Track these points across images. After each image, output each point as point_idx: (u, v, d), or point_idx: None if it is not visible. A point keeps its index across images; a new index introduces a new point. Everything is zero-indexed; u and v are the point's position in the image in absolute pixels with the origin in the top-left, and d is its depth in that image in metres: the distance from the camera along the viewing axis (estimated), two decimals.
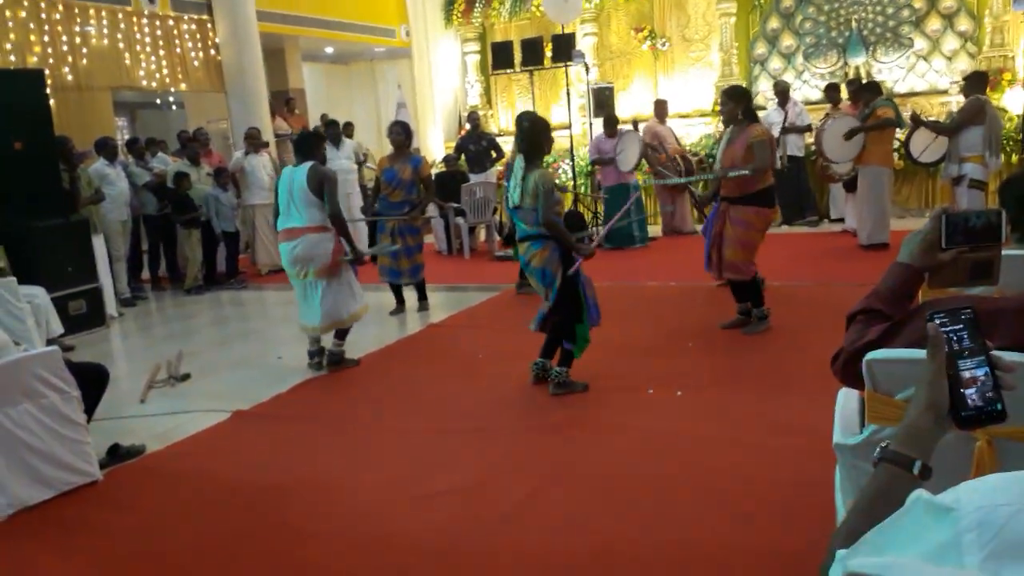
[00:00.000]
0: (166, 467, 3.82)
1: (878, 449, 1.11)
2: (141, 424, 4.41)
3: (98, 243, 7.21)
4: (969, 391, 1.09)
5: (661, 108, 9.77)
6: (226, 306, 8.05)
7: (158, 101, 13.57)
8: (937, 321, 1.14)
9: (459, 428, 3.95)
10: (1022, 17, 8.36)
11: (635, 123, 9.79)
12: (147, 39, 9.42)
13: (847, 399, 2.14)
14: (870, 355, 1.67)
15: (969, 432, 1.52)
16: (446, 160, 10.63)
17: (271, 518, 3.18)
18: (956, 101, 9.30)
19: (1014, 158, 8.44)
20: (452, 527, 2.98)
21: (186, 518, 3.26)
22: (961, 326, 1.14)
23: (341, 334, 5.22)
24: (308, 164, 5.03)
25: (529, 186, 4.18)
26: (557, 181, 10.55)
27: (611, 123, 9.22)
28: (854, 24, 10.55)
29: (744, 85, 11.02)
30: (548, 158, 10.64)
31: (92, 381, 3.81)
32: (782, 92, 9.41)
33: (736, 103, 5.07)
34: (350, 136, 10.33)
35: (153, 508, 3.39)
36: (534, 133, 4.27)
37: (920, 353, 1.24)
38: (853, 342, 1.78)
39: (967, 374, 1.10)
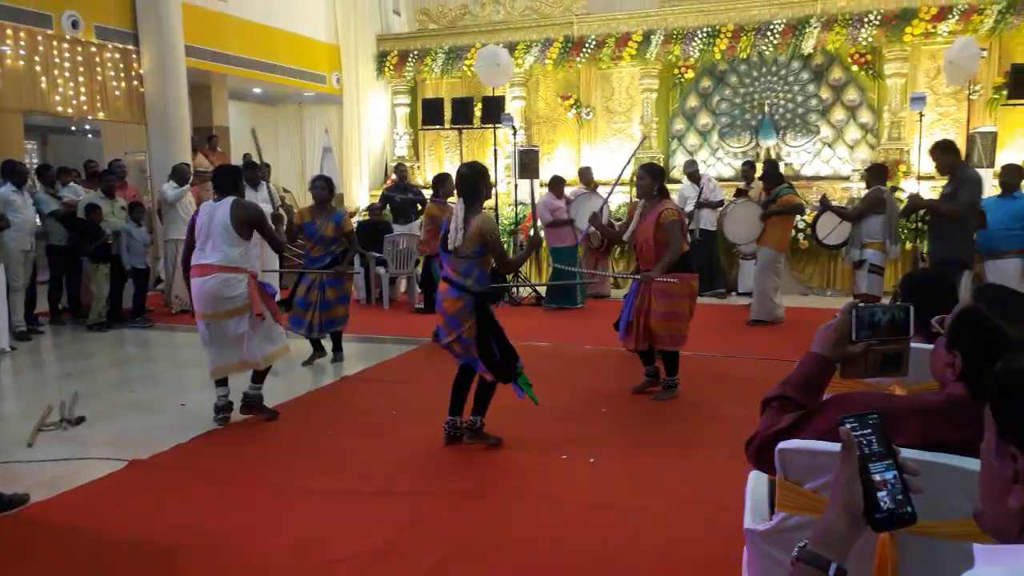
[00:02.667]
0: (52, 519, 3.59)
1: (796, 549, 1.15)
2: (27, 470, 4.15)
3: None
4: (881, 494, 1.13)
5: (587, 175, 10.00)
6: (130, 346, 7.72)
7: (72, 127, 13.08)
8: (848, 425, 1.19)
9: (367, 490, 3.86)
10: (917, 115, 9.02)
11: (596, 186, 9.91)
12: (66, 64, 9.12)
13: (757, 482, 2.21)
14: (782, 444, 1.72)
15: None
16: (370, 209, 10.60)
17: None
18: (857, 188, 9.92)
19: (908, 245, 9.01)
20: None
21: None
22: (870, 430, 1.19)
23: (258, 377, 5.06)
24: (230, 199, 4.88)
25: (471, 230, 4.19)
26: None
27: (558, 184, 9.39)
28: (766, 108, 11.17)
29: (661, 160, 11.48)
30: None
31: None
32: (691, 174, 9.90)
33: (653, 179, 5.29)
34: (266, 179, 10.15)
35: (35, 565, 3.17)
36: (473, 179, 4.32)
37: (828, 446, 1.30)
38: (766, 428, 1.85)
39: (877, 477, 1.14)
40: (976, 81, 9.67)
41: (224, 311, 4.82)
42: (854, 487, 1.14)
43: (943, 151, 6.00)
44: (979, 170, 8.75)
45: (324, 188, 6.40)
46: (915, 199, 6.75)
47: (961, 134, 9.76)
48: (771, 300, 7.92)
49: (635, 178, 10.96)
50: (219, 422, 4.99)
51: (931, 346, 1.85)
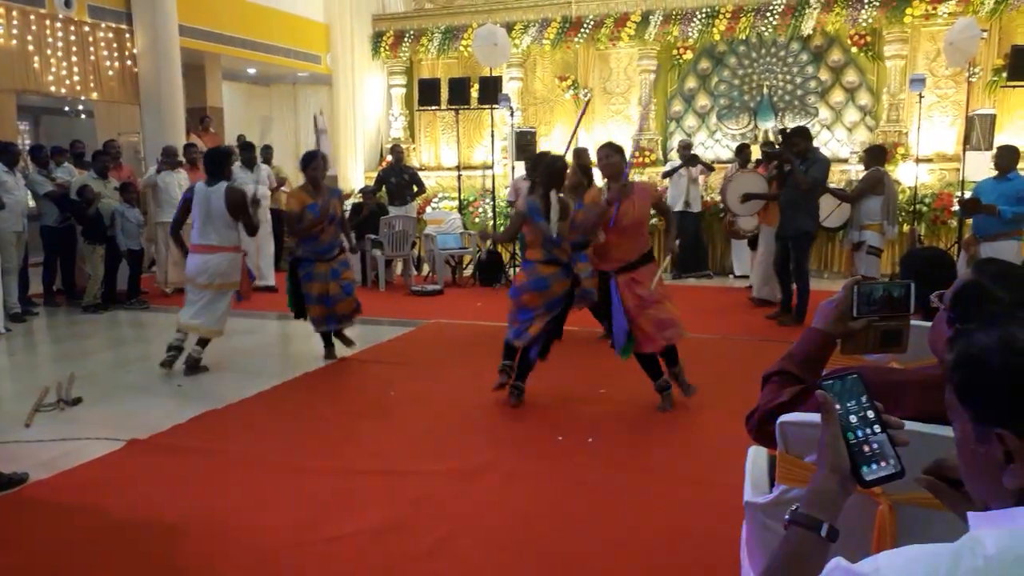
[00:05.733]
0: (51, 499, 3.58)
1: (788, 512, 1.16)
2: (25, 450, 4.14)
3: None
4: (866, 450, 1.15)
5: (582, 156, 9.92)
6: (125, 327, 7.70)
7: (66, 108, 12.98)
8: (828, 384, 1.21)
9: (366, 469, 3.87)
10: (916, 97, 8.99)
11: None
12: (59, 44, 9.03)
13: (756, 457, 2.21)
14: (783, 418, 1.73)
15: (871, 497, 1.60)
16: (364, 191, 10.56)
17: (165, 559, 3.03)
18: (855, 170, 9.90)
19: (905, 227, 9.02)
20: (357, 573, 2.90)
21: (70, 556, 3.06)
22: (850, 390, 1.21)
23: (204, 343, 5.73)
24: (223, 185, 5.55)
25: None
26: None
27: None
28: (765, 90, 11.12)
29: (659, 142, 11.45)
30: (468, 196, 10.74)
31: None
32: (685, 147, 9.88)
33: (621, 157, 4.73)
34: (268, 160, 10.14)
35: (34, 544, 3.16)
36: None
37: None
38: (767, 403, 1.85)
39: (861, 434, 1.17)
40: (976, 63, 9.63)
41: (220, 283, 5.60)
42: (839, 447, 1.16)
43: (801, 137, 7.00)
44: (978, 153, 8.80)
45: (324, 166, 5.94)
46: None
47: (960, 116, 9.74)
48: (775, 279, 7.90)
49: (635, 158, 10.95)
50: (166, 364, 5.67)
51: (929, 324, 1.85)
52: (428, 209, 11.16)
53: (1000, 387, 0.95)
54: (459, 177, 10.54)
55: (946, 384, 1.04)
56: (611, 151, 4.62)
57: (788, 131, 7.86)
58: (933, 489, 1.25)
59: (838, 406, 1.19)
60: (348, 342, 6.14)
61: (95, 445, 4.21)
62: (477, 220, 10.80)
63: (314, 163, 5.83)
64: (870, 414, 1.18)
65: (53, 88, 9.10)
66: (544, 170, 4.70)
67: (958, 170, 9.06)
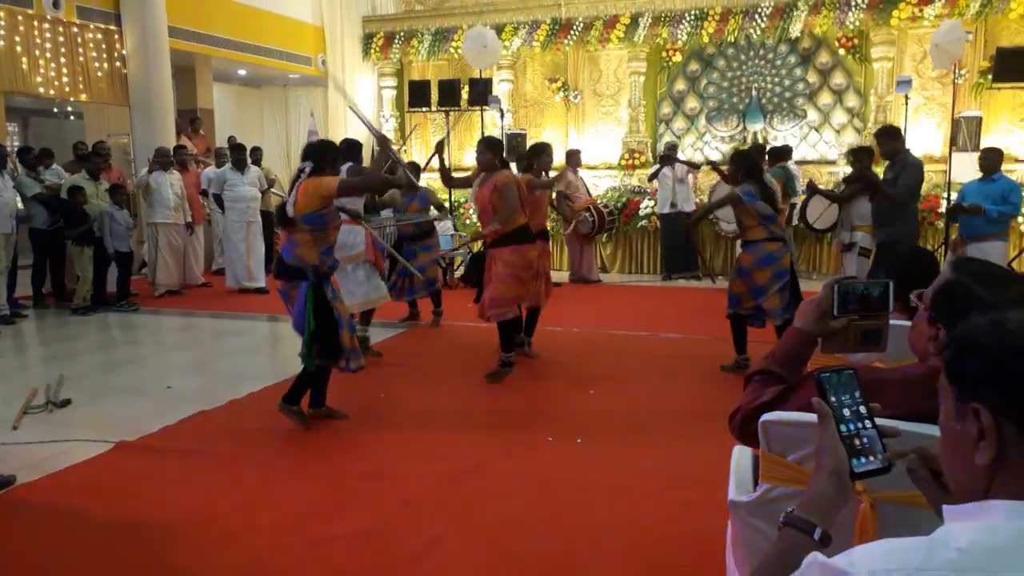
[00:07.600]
0: (39, 500, 3.58)
1: (783, 514, 1.17)
2: (13, 452, 4.12)
3: None
4: (857, 444, 1.19)
5: (574, 157, 10.01)
6: (114, 329, 7.67)
7: (55, 109, 12.94)
8: (826, 375, 1.25)
9: (356, 472, 3.87)
10: (903, 99, 9.06)
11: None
12: (47, 45, 9.01)
13: (741, 456, 2.23)
14: (765, 416, 1.74)
15: (855, 495, 1.62)
16: None
17: (155, 558, 3.03)
18: (843, 171, 9.95)
19: None
20: (347, 573, 2.91)
21: (60, 557, 3.06)
22: (844, 385, 1.24)
23: (365, 318, 5.89)
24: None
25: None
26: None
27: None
28: (754, 92, 11.17)
29: (649, 144, 11.48)
30: (458, 199, 10.75)
31: None
32: (671, 149, 9.99)
33: (494, 153, 5.42)
34: (258, 162, 10.12)
35: (23, 544, 3.16)
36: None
37: (811, 417, 1.32)
38: (749, 402, 1.87)
39: (853, 428, 1.20)
40: (962, 65, 9.70)
41: (344, 258, 5.50)
42: (838, 451, 1.18)
43: (888, 136, 6.31)
44: (964, 154, 8.86)
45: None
46: (812, 185, 7.52)
47: (946, 118, 9.81)
48: None
49: (624, 159, 11.04)
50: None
51: (909, 323, 1.87)
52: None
53: (982, 360, 0.97)
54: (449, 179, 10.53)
55: (941, 367, 1.06)
56: (483, 148, 5.43)
57: (859, 148, 7.14)
58: (913, 468, 1.27)
59: (833, 398, 1.22)
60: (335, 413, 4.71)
61: (84, 447, 4.19)
62: (468, 222, 10.82)
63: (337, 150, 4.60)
64: (862, 409, 1.22)
65: (42, 89, 9.07)
66: (746, 161, 5.65)
67: (945, 171, 9.12)
